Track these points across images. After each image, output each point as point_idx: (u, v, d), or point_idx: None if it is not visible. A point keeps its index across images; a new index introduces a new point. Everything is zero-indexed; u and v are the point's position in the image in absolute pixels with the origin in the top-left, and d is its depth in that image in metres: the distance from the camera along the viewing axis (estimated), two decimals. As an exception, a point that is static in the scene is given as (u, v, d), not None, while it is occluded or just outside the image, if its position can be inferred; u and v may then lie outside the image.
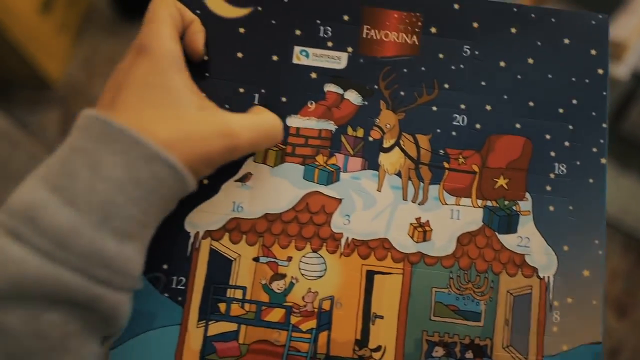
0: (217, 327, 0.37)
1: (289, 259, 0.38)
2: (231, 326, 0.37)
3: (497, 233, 0.38)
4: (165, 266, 0.38)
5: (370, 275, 0.38)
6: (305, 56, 0.41)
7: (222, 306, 0.37)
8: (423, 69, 0.41)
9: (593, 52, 0.40)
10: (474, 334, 0.37)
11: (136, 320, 0.37)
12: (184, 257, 0.38)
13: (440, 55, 0.41)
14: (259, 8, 0.40)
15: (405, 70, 0.41)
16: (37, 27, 1.12)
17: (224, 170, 0.38)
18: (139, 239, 0.29)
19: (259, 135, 0.34)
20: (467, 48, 0.41)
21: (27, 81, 1.16)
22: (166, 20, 0.33)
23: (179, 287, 0.37)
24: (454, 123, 0.40)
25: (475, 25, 0.41)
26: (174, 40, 0.33)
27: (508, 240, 0.38)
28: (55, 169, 0.27)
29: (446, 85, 0.40)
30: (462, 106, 0.40)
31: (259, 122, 0.35)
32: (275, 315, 0.37)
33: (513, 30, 0.41)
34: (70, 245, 0.26)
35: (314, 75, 0.40)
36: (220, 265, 0.38)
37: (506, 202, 0.39)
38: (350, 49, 0.41)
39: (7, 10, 1.02)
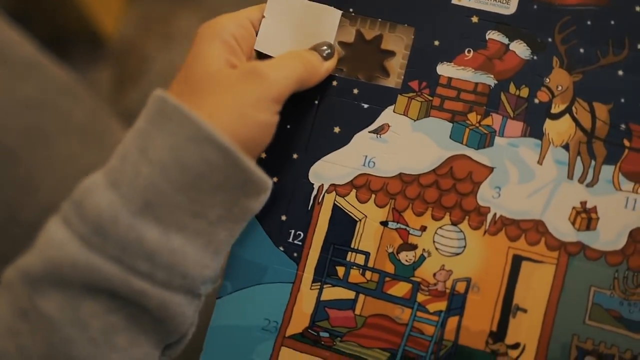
0: (332, 292, 0.32)
1: (423, 228, 0.32)
2: (348, 294, 0.32)
3: (682, 232, 0.31)
4: (283, 217, 0.33)
5: (517, 261, 0.32)
6: (468, -5, 0.34)
7: (341, 270, 0.33)
8: (612, 22, 0.33)
9: None
10: (639, 349, 0.30)
11: (246, 272, 0.33)
12: (304, 210, 0.33)
13: (637, 8, 0.33)
14: None
15: (589, 22, 0.33)
16: (93, -19, 1.10)
17: (358, 118, 0.33)
18: (192, 232, 0.26)
19: (290, 79, 0.29)
20: (673, 1, 0.32)
21: (81, 36, 1.14)
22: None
23: (295, 242, 0.33)
24: (644, 93, 0.32)
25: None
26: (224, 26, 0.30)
27: (695, 243, 0.31)
28: (115, 152, 0.26)
29: (639, 46, 0.32)
30: (657, 73, 0.32)
31: (291, 69, 0.30)
32: (400, 289, 0.32)
33: None
34: (107, 232, 0.24)
35: (475, 19, 0.34)
36: (343, 225, 0.33)
37: (699, 197, 0.31)
38: (524, -8, 0.33)
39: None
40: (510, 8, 0.33)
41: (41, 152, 0.51)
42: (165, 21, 1.20)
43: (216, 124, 0.25)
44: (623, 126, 0.32)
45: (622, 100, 0.32)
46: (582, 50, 0.32)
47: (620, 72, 0.32)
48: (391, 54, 0.33)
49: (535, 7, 0.33)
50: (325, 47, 0.32)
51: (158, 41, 1.18)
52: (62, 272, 0.24)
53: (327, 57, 0.32)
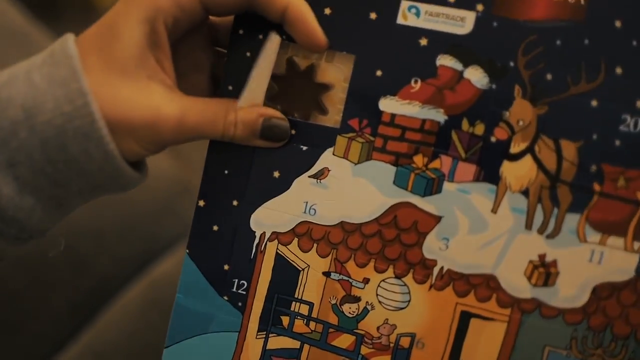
0: (278, 342, 0.32)
1: (366, 280, 0.30)
2: (293, 343, 0.32)
3: (654, 290, 0.27)
4: (226, 266, 0.32)
5: (465, 318, 0.29)
6: (415, 14, 0.29)
7: (285, 319, 0.32)
8: (587, 42, 0.27)
9: None
10: (593, 412, 0.28)
11: (192, 321, 0.32)
12: (247, 259, 0.32)
13: (617, 24, 0.26)
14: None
15: (558, 42, 0.27)
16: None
17: (297, 162, 0.30)
18: (45, 198, 0.26)
19: (190, 124, 0.28)
20: (664, 11, 0.26)
21: (72, 2, 1.13)
22: None
23: (240, 291, 0.32)
24: (621, 128, 0.27)
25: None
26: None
27: (670, 302, 0.27)
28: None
29: (618, 70, 0.26)
30: (638, 103, 0.26)
31: (201, 118, 0.28)
32: (344, 341, 0.31)
33: None
34: None
35: (424, 41, 0.29)
36: (287, 274, 0.31)
37: (679, 251, 0.27)
38: (480, 7, 0.28)
39: None
40: (466, 26, 0.28)
41: None
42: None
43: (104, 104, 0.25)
44: (594, 167, 0.27)
45: (595, 136, 0.27)
46: (549, 77, 0.27)
47: (594, 103, 0.27)
48: (327, 87, 0.29)
49: (495, 24, 0.28)
50: (275, 125, 0.29)
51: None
52: None
53: (266, 137, 0.29)
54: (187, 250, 0.32)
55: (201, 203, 0.32)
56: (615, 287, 0.27)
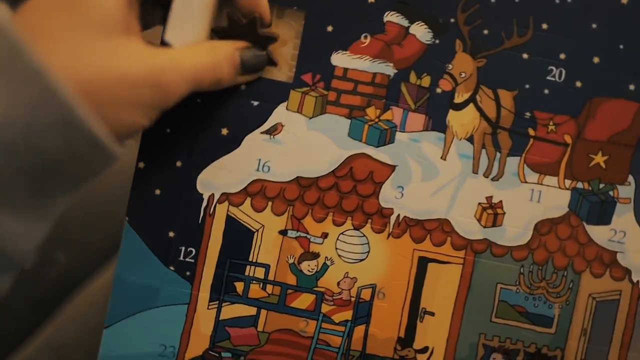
0: (232, 310, 0.30)
1: (324, 235, 0.30)
2: (249, 310, 0.30)
3: (585, 223, 0.30)
4: (171, 233, 0.29)
5: (422, 263, 0.30)
6: (362, -28, 0.30)
7: (240, 286, 0.30)
8: (517, 0, 0.30)
9: None
10: (542, 342, 0.30)
11: (135, 296, 0.29)
12: (194, 224, 0.29)
13: (543, -17, 0.30)
14: None
15: (493, 0, 0.30)
16: None
17: (247, 118, 0.29)
18: (23, 209, 0.20)
19: (188, 71, 0.24)
20: (578, -25, 0.29)
21: None
22: None
23: (187, 259, 0.29)
24: (548, 78, 0.30)
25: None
26: None
27: (598, 232, 0.30)
28: None
29: (544, 26, 0.29)
30: (562, 56, 0.30)
31: (193, 63, 0.25)
32: (304, 301, 0.30)
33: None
34: None
35: (371, -1, 0.30)
36: (239, 237, 0.30)
37: (601, 185, 0.30)
38: (423, -33, 0.30)
39: None
40: (409, -15, 0.30)
41: None
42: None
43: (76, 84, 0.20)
44: (528, 114, 0.30)
45: (527, 85, 0.30)
46: (486, 32, 0.30)
47: (525, 55, 0.29)
48: (273, 38, 0.29)
49: (436, -17, 0.30)
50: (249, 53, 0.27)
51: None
52: None
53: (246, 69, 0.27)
54: (127, 218, 0.29)
55: (140, 165, 0.29)
56: (553, 223, 0.29)
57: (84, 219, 0.43)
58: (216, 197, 0.29)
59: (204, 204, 0.29)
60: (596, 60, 0.29)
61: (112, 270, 0.43)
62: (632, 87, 0.29)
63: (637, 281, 0.29)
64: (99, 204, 0.44)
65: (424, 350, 0.29)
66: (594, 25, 0.29)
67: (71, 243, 0.43)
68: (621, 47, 0.29)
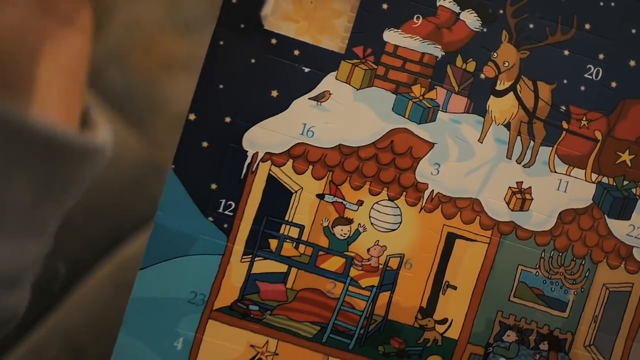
0: (263, 265, 0.31)
1: (360, 202, 0.31)
2: (280, 267, 0.31)
3: (606, 216, 0.31)
4: (213, 185, 0.30)
5: (451, 239, 0.31)
6: (422, -44, 0.31)
7: (273, 243, 0.31)
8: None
9: None
10: (555, 324, 0.31)
11: (172, 242, 0.30)
12: (236, 179, 0.30)
13: (589, -14, 0.31)
14: None
15: (541, -3, 0.31)
16: None
17: (297, 83, 0.30)
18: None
19: None
20: (624, -18, 0.31)
21: None
22: None
23: (226, 212, 0.30)
24: (586, 75, 0.31)
25: (643, -46, 0.31)
26: None
27: (618, 226, 0.31)
28: None
29: (587, 26, 0.31)
30: (601, 56, 0.31)
31: None
32: (333, 263, 0.31)
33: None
34: None
35: (427, -18, 0.31)
36: (278, 196, 0.31)
37: (625, 182, 0.31)
38: (479, -43, 0.31)
39: None
40: (464, -26, 0.31)
41: None
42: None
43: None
44: (563, 108, 0.31)
45: (565, 80, 0.31)
46: (531, 26, 0.31)
47: (566, 52, 0.31)
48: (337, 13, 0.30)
49: (489, -25, 0.31)
50: None
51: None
52: None
53: None
54: (172, 166, 0.30)
55: (192, 117, 0.30)
56: (576, 213, 0.31)
57: (88, 210, 0.43)
58: (260, 155, 0.30)
59: (248, 160, 0.30)
60: (632, 63, 0.31)
61: (117, 260, 0.44)
62: (663, 92, 0.31)
63: (650, 276, 0.31)
64: (102, 199, 0.45)
65: (444, 321, 0.30)
66: (634, 31, 0.31)
67: (76, 234, 0.43)
68: (657, 53, 0.31)
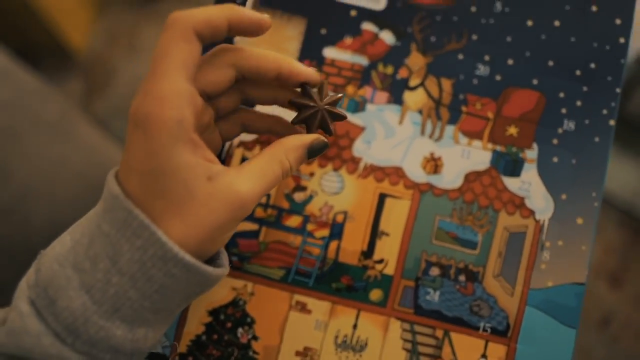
0: (241, 226, 0.40)
1: (312, 174, 0.41)
2: (253, 226, 0.40)
3: (501, 175, 0.40)
4: (201, 166, 0.40)
5: (382, 198, 0.40)
6: (348, -5, 0.42)
7: (248, 208, 0.40)
8: (455, 18, 0.42)
9: (618, 21, 0.41)
10: (469, 260, 0.39)
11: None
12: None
13: (473, 9, 0.42)
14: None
15: (438, 18, 0.42)
16: (61, -2, 1.09)
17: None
18: (154, 322, 0.27)
19: (265, 190, 0.28)
20: (499, 4, 0.42)
21: (50, 50, 1.12)
22: (175, 64, 0.25)
23: None
24: (477, 72, 0.41)
25: (510, -17, 0.42)
26: (178, 95, 0.24)
27: (511, 182, 0.40)
28: (81, 249, 0.26)
29: (474, 37, 0.42)
30: (486, 57, 0.41)
31: (268, 180, 0.28)
32: (294, 221, 0.40)
33: (544, -8, 0.42)
34: (79, 332, 0.25)
35: (353, 13, 0.42)
36: (250, 172, 0.40)
37: (514, 149, 0.41)
38: (390, -7, 0.42)
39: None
40: (380, 4, 0.42)
41: (13, 147, 0.52)
42: (130, 34, 1.19)
43: (185, 245, 0.25)
44: (461, 96, 0.41)
45: (461, 76, 0.41)
46: (433, 39, 0.42)
47: (460, 56, 0.41)
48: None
49: (399, 4, 0.42)
50: (317, 145, 0.30)
51: (124, 53, 1.17)
52: (34, 357, 0.25)
53: (312, 157, 0.30)
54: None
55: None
56: (478, 174, 0.40)
57: (91, 205, 0.51)
58: (235, 143, 0.40)
59: (225, 148, 0.40)
60: (510, 62, 0.41)
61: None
62: (535, 81, 0.41)
63: (539, 220, 0.39)
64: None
65: (381, 261, 0.39)
66: (509, 39, 0.41)
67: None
68: (527, 54, 0.41)
